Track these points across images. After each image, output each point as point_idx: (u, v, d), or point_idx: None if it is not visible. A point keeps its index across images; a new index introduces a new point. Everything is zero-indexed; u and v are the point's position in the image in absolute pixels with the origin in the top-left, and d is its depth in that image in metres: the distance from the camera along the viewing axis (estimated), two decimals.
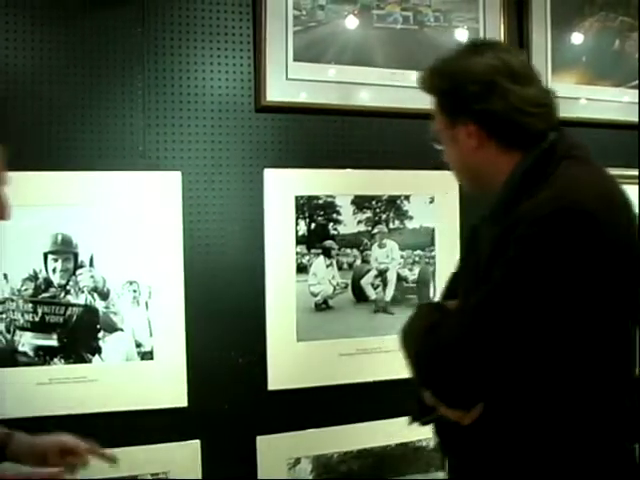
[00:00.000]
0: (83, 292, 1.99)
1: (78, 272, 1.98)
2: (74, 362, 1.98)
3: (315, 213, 2.20)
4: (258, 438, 2.14)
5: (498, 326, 1.26)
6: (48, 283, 1.95)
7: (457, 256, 2.32)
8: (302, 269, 2.19)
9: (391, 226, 2.29)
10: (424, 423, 1.53)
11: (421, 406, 1.47)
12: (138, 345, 2.03)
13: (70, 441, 1.57)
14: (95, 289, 2.00)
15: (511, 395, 1.32)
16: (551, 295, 1.23)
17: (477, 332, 1.28)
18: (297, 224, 2.18)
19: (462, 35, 2.38)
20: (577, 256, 1.22)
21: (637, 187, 2.16)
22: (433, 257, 2.34)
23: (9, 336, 1.93)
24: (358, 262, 2.26)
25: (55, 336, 1.96)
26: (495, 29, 2.42)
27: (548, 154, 1.37)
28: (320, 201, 2.21)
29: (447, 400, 1.37)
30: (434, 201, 2.33)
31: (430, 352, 1.35)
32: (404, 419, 2.27)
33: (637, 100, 2.52)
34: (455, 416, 1.36)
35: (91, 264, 1.98)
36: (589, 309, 1.26)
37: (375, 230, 2.27)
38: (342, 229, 2.23)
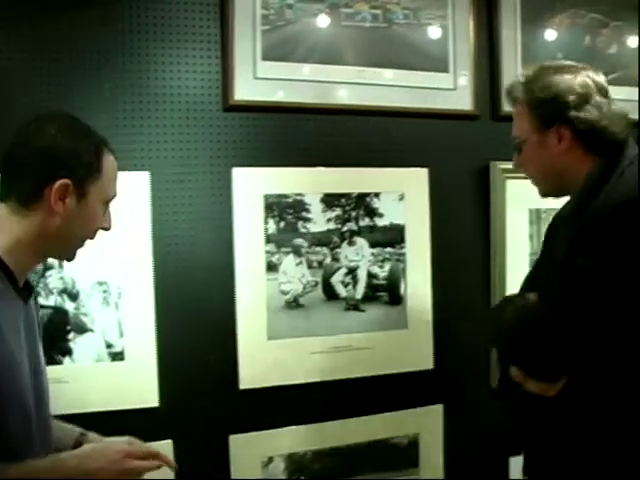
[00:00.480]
0: (53, 293, 1.98)
1: (47, 274, 1.97)
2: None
3: (284, 212, 2.20)
4: (231, 437, 2.15)
5: (585, 305, 1.45)
6: None
7: (428, 252, 2.37)
8: (272, 268, 2.19)
9: (361, 224, 2.29)
10: (509, 399, 1.74)
11: (507, 383, 1.66)
12: (109, 346, 2.03)
13: (139, 445, 1.59)
14: (65, 290, 1.99)
15: (592, 370, 1.50)
16: (628, 279, 1.43)
17: (567, 310, 1.47)
18: (266, 223, 2.18)
19: (432, 32, 2.39)
20: None
21: None
22: (403, 254, 2.34)
23: None
24: (328, 260, 2.26)
25: None
26: (464, 26, 2.43)
27: (619, 160, 1.60)
28: (289, 200, 2.21)
29: (537, 373, 1.55)
30: (404, 198, 2.34)
31: (525, 328, 1.53)
32: (376, 416, 2.31)
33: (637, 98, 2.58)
34: (541, 389, 1.55)
35: (60, 265, 1.97)
36: None
37: (345, 228, 2.27)
38: (312, 227, 2.23)
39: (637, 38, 2.73)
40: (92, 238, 1.53)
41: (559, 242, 1.67)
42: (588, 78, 1.64)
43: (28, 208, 1.40)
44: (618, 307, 1.44)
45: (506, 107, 2.42)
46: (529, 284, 1.85)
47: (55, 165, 1.40)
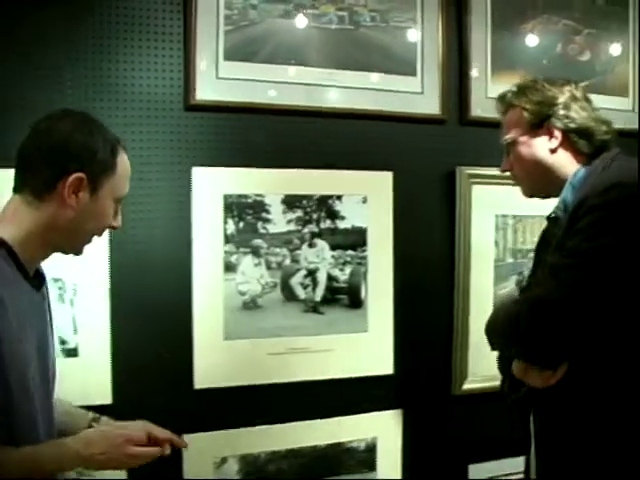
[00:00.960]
0: None
1: None
2: None
3: (244, 212, 2.20)
4: (184, 436, 2.12)
5: (583, 285, 1.49)
6: None
7: (390, 257, 2.36)
8: (230, 268, 2.19)
9: (322, 226, 2.29)
10: (514, 399, 1.74)
11: (511, 382, 1.72)
12: (62, 342, 2.03)
13: (155, 429, 1.62)
14: None
15: (594, 356, 1.56)
16: (624, 255, 1.49)
17: (563, 292, 1.50)
18: (225, 223, 2.18)
19: (400, 35, 2.38)
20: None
21: None
22: (365, 257, 2.33)
23: None
24: (287, 261, 2.25)
25: None
26: (433, 30, 2.42)
27: (603, 157, 1.73)
28: (249, 200, 2.20)
29: (537, 359, 1.60)
30: (367, 201, 2.33)
31: (525, 313, 1.55)
32: (334, 419, 2.31)
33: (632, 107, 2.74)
34: (543, 379, 1.59)
35: None
36: None
37: (305, 230, 2.27)
38: (271, 228, 2.23)
39: (619, 46, 2.73)
40: (100, 235, 1.58)
41: (553, 237, 1.71)
42: (574, 90, 1.78)
43: (41, 200, 1.45)
44: (613, 286, 1.49)
45: (474, 112, 2.46)
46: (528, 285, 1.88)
47: (71, 159, 1.44)
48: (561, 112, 1.74)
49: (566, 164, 1.75)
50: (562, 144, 1.75)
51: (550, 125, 1.75)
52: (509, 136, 1.82)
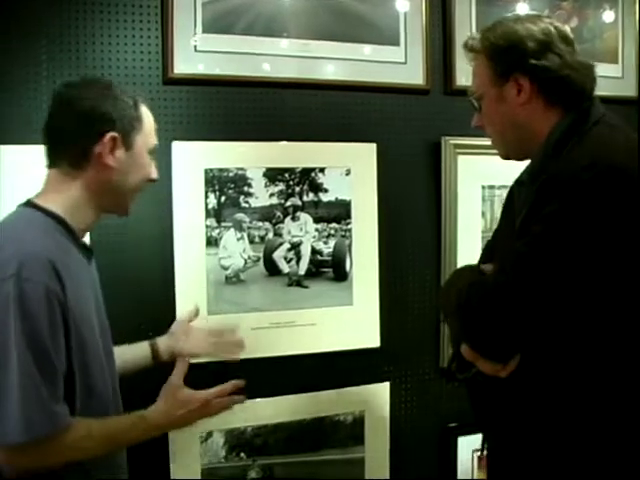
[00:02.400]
0: None
1: None
2: None
3: (225, 186, 2.18)
4: None
5: (539, 275, 1.33)
6: None
7: (375, 229, 2.34)
8: (212, 242, 2.17)
9: (305, 199, 2.27)
10: (461, 379, 1.60)
11: (459, 362, 1.54)
12: None
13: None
14: None
15: (546, 348, 1.41)
16: (589, 247, 1.32)
17: (519, 281, 1.35)
18: (207, 197, 2.16)
19: (382, 4, 2.35)
20: (612, 209, 1.32)
21: None
22: (349, 230, 2.31)
23: None
24: (270, 235, 2.24)
25: None
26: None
27: (584, 116, 1.49)
28: (230, 174, 2.19)
29: (488, 352, 1.44)
30: (350, 173, 2.31)
31: (474, 302, 1.40)
32: (321, 393, 2.30)
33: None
34: (493, 369, 1.43)
35: None
36: (625, 260, 1.34)
37: (288, 203, 2.25)
38: (253, 202, 2.21)
39: (608, 12, 2.69)
40: (141, 190, 1.65)
41: (517, 206, 1.58)
42: (551, 25, 1.53)
43: (81, 168, 1.51)
44: (575, 280, 1.33)
45: (459, 81, 2.43)
46: (488, 255, 1.73)
47: (102, 121, 1.51)
48: (531, 61, 1.49)
49: (541, 120, 1.52)
50: (534, 97, 1.51)
51: (517, 76, 1.51)
52: (475, 90, 1.61)
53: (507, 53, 1.52)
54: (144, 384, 1.89)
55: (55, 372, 1.37)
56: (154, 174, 1.65)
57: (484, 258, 1.73)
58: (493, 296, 1.37)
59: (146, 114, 1.61)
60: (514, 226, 1.54)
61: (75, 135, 1.51)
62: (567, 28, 1.58)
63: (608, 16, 2.67)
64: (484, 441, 1.72)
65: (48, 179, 1.54)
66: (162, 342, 1.89)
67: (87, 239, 2.00)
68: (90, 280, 1.59)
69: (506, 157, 1.65)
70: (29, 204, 1.50)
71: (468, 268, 1.66)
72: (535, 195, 1.42)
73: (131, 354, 1.82)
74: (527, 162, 1.67)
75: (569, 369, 1.41)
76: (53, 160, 1.53)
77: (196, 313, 1.98)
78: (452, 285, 1.58)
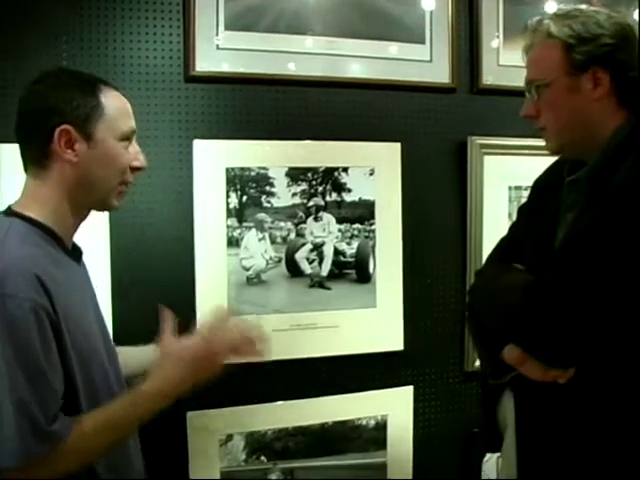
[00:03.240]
0: None
1: None
2: None
3: (247, 185, 2.15)
4: (188, 414, 2.11)
5: (618, 285, 1.27)
6: None
7: (399, 230, 2.30)
8: (233, 243, 2.14)
9: (328, 199, 2.23)
10: (498, 383, 1.51)
11: (495, 367, 1.46)
12: None
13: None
14: None
15: (609, 358, 1.33)
16: None
17: (596, 289, 1.27)
18: (228, 196, 2.13)
19: (408, 1, 2.30)
20: None
21: None
22: (373, 231, 2.28)
23: None
24: (292, 236, 2.21)
25: None
26: None
27: None
28: (252, 173, 2.16)
29: (550, 357, 1.35)
30: (374, 173, 2.27)
31: (537, 303, 1.32)
32: (342, 396, 2.26)
33: None
34: (547, 375, 1.36)
35: None
36: None
37: (311, 203, 2.21)
38: (275, 202, 2.18)
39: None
40: (125, 180, 1.51)
41: (569, 208, 1.48)
42: (625, 20, 1.45)
43: (45, 168, 1.43)
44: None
45: (485, 80, 2.38)
46: (511, 251, 1.63)
47: (48, 116, 1.40)
48: (615, 54, 1.41)
49: (607, 119, 1.44)
50: (610, 93, 1.43)
51: (597, 69, 1.42)
52: (538, 76, 1.49)
53: (590, 43, 1.43)
54: None
55: (49, 389, 1.30)
56: (137, 162, 1.51)
57: (505, 255, 1.64)
58: (570, 299, 1.29)
59: (110, 97, 1.46)
60: (553, 224, 1.49)
61: (30, 134, 1.43)
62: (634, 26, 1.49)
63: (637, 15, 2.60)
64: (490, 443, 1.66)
65: (25, 184, 1.47)
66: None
67: (107, 239, 2.02)
68: (82, 283, 1.54)
69: (557, 152, 1.56)
70: (10, 212, 1.43)
71: (501, 267, 1.58)
72: (605, 200, 1.34)
73: (137, 356, 1.72)
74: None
75: (630, 377, 1.35)
76: (24, 164, 1.46)
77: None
78: (492, 285, 1.52)
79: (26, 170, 1.46)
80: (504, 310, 1.42)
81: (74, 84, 1.43)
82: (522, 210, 1.74)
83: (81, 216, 1.51)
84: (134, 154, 1.51)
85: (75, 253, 1.52)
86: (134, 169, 1.52)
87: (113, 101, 1.48)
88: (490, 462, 2.30)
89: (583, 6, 1.50)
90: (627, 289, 1.27)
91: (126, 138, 1.49)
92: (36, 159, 1.43)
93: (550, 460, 1.47)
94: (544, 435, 1.48)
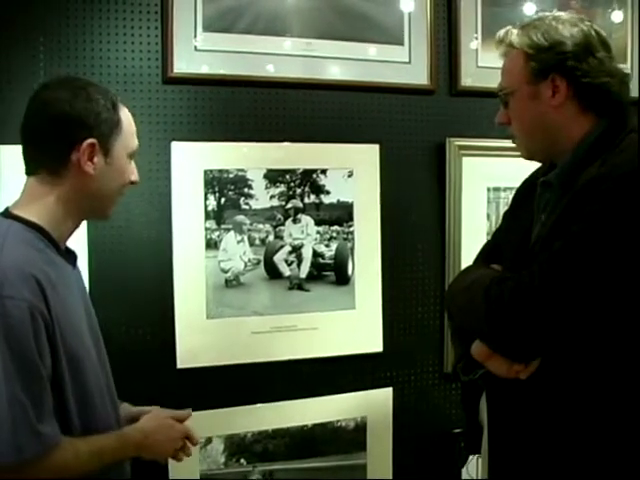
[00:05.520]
0: None
1: None
2: None
3: (225, 187, 2.15)
4: None
5: (577, 274, 1.31)
6: None
7: (378, 232, 2.30)
8: (212, 245, 2.14)
9: (306, 201, 2.23)
10: (470, 379, 1.57)
11: (467, 363, 1.53)
12: None
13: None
14: None
15: (573, 351, 1.38)
16: (628, 248, 1.30)
17: (556, 279, 1.32)
18: (206, 199, 2.13)
19: (386, 3, 2.30)
20: None
21: None
22: (351, 233, 2.28)
23: None
24: (271, 238, 2.20)
25: None
26: None
27: (620, 124, 1.47)
28: (231, 175, 2.15)
29: (512, 351, 1.42)
30: (353, 175, 2.27)
31: (507, 297, 1.36)
32: (322, 399, 2.26)
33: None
34: (511, 370, 1.42)
35: None
36: None
37: (289, 205, 2.21)
38: (254, 204, 2.18)
39: (617, 12, 2.64)
40: (123, 194, 1.58)
41: (538, 207, 1.54)
42: (591, 29, 1.48)
43: (59, 176, 1.44)
44: (612, 281, 1.32)
45: (464, 82, 2.39)
46: (491, 254, 1.69)
47: (78, 127, 1.43)
48: (570, 63, 1.45)
49: (573, 124, 1.48)
50: (569, 100, 1.47)
51: (555, 77, 1.46)
52: (505, 85, 1.55)
53: (548, 52, 1.47)
54: (144, 391, 1.88)
55: (43, 391, 1.32)
56: (134, 177, 1.57)
57: (487, 258, 1.69)
58: (528, 293, 1.34)
59: (125, 116, 1.53)
60: (530, 226, 1.53)
61: (50, 140, 1.44)
62: (604, 34, 1.52)
63: (617, 16, 2.62)
64: (471, 443, 1.69)
65: (27, 187, 1.47)
66: (125, 408, 1.72)
67: (85, 241, 2.00)
68: (77, 286, 1.54)
69: (529, 158, 1.61)
70: (8, 215, 1.44)
71: (483, 268, 1.62)
72: (572, 197, 1.39)
73: None
74: (534, 165, 1.66)
75: (595, 373, 1.39)
76: (32, 167, 1.47)
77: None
78: (467, 281, 1.55)
79: (30, 172, 1.47)
80: (470, 306, 1.48)
81: (100, 99, 1.46)
82: (505, 215, 1.79)
83: (78, 223, 1.54)
84: (132, 169, 1.57)
85: (70, 257, 1.54)
86: (130, 183, 1.58)
87: (127, 118, 1.54)
88: (472, 462, 2.32)
89: (552, 14, 1.54)
90: (587, 284, 1.31)
91: (132, 155, 1.56)
92: (51, 165, 1.44)
93: (519, 457, 1.50)
94: (513, 433, 1.51)
